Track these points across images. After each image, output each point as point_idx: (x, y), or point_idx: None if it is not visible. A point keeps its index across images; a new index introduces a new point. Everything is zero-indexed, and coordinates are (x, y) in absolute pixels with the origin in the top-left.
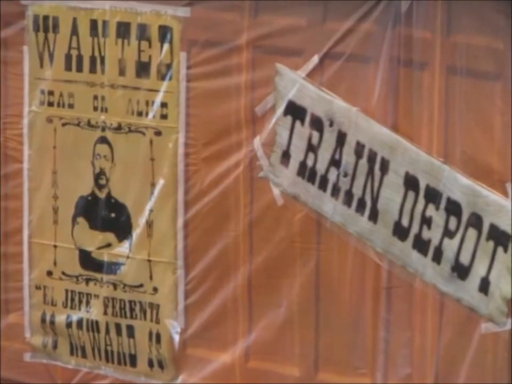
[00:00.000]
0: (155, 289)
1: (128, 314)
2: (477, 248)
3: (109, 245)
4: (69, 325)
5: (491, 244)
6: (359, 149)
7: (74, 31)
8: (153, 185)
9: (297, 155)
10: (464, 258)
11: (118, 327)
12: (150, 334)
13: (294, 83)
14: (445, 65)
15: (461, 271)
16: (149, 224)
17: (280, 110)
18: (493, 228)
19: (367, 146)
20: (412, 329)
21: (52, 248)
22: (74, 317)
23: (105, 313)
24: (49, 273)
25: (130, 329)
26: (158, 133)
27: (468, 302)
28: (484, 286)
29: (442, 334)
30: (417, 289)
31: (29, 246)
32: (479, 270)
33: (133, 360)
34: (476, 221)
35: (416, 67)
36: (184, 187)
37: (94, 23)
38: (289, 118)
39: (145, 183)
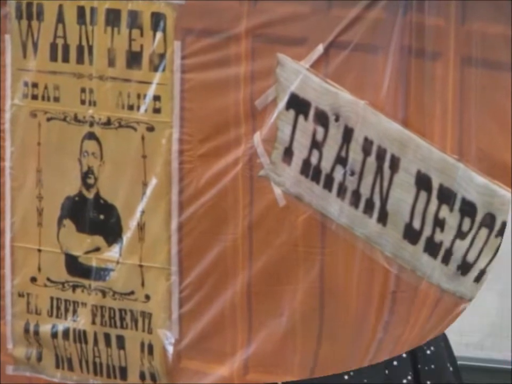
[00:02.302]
0: (147, 297)
1: (118, 323)
2: (485, 246)
3: (97, 249)
4: (54, 335)
5: (499, 240)
6: (367, 146)
7: (60, 18)
8: (145, 184)
9: (300, 152)
10: (471, 257)
11: (107, 337)
12: (142, 345)
13: (297, 74)
14: (459, 55)
15: (465, 268)
16: (141, 227)
17: (282, 103)
18: (504, 225)
19: (375, 143)
20: None
21: (36, 252)
22: (60, 327)
23: (93, 322)
24: (33, 280)
25: (120, 339)
26: (151, 128)
27: (461, 293)
28: (479, 276)
29: None
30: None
31: (11, 250)
32: (480, 264)
33: (124, 373)
34: (489, 220)
35: (428, 57)
36: (179, 186)
37: (81, 10)
38: (291, 112)
39: (136, 182)
